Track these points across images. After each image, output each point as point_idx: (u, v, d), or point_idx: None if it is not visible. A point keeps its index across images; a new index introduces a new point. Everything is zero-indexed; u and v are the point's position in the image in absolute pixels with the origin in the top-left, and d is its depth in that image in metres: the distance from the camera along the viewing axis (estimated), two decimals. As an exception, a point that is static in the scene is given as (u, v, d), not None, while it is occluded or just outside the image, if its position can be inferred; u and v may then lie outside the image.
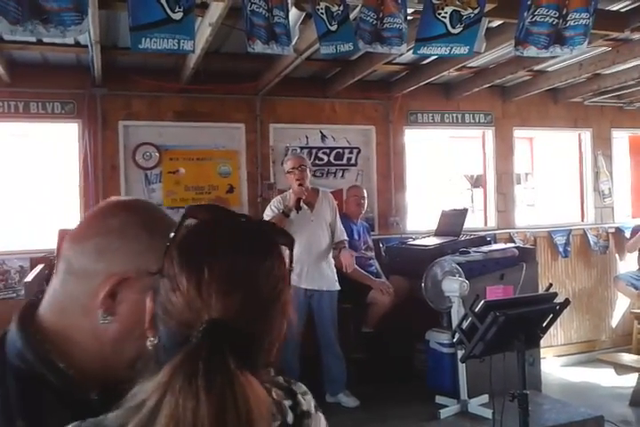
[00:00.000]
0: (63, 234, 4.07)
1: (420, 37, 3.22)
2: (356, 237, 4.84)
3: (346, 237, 4.51)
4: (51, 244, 4.15)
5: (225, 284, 0.75)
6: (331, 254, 4.43)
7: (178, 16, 2.71)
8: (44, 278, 3.99)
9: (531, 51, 3.22)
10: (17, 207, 5.20)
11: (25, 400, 0.81)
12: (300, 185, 4.23)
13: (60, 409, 0.80)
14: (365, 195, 5.06)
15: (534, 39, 3.16)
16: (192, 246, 0.79)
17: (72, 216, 4.75)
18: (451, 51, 3.24)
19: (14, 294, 4.46)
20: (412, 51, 3.45)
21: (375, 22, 3.20)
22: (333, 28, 3.10)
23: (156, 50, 2.76)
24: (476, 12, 3.10)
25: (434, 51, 3.26)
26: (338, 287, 4.40)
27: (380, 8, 3.19)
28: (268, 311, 0.78)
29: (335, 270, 4.42)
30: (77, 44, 4.18)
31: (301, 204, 4.23)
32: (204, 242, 0.79)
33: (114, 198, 0.99)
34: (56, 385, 0.83)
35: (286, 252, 0.85)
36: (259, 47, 2.97)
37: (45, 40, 4.11)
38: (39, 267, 4.05)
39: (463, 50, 3.25)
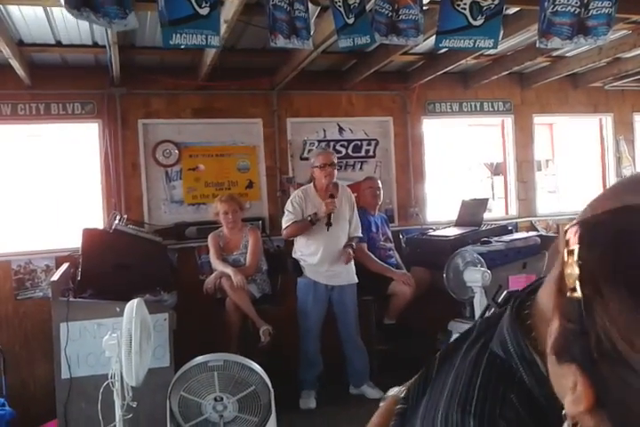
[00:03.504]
0: (87, 233, 4.14)
1: (441, 30, 3.19)
2: (373, 229, 4.84)
3: (359, 234, 4.48)
4: (75, 243, 4.22)
5: None
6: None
7: (205, 11, 2.73)
8: (70, 277, 4.07)
9: (555, 42, 3.17)
10: (41, 207, 5.28)
11: (486, 394, 0.67)
12: (332, 197, 4.23)
13: (523, 416, 0.65)
14: (380, 186, 5.04)
15: (557, 30, 3.11)
16: None
17: (95, 215, 4.82)
18: (475, 44, 3.20)
19: (41, 293, 4.54)
20: (432, 43, 3.41)
21: (390, 14, 3.19)
22: (350, 20, 3.09)
23: (187, 45, 2.79)
24: (496, 2, 3.07)
25: (457, 44, 3.22)
26: (355, 280, 4.43)
27: (395, 0, 3.17)
28: None
29: (353, 262, 4.44)
30: (95, 45, 4.23)
31: (331, 219, 4.20)
32: None
33: None
34: (527, 386, 0.66)
35: None
36: (281, 42, 2.97)
37: (64, 42, 4.17)
38: (65, 266, 4.11)
39: (488, 43, 3.21)
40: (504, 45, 4.66)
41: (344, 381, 4.50)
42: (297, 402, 4.30)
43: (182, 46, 2.81)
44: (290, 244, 4.66)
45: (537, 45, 3.33)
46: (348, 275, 4.39)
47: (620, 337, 0.46)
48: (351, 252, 4.33)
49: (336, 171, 4.44)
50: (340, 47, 3.24)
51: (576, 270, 0.51)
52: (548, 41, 3.17)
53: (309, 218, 4.24)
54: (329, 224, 4.19)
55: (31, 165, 5.11)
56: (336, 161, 4.46)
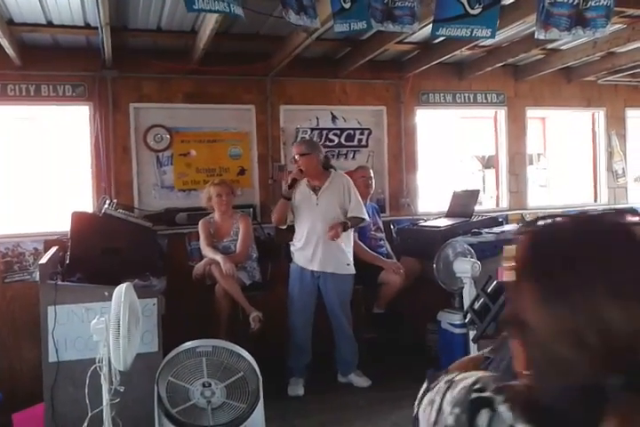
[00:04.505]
0: (76, 217, 4.10)
1: (437, 18, 3.16)
2: (365, 218, 4.81)
3: (359, 215, 4.29)
4: (64, 226, 4.18)
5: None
6: (346, 237, 4.29)
7: None
8: (58, 260, 4.03)
9: (553, 33, 3.15)
10: (30, 190, 5.22)
11: None
12: (300, 171, 4.21)
13: None
14: (372, 175, 5.02)
15: (556, 21, 3.09)
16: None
17: (85, 199, 4.77)
18: (472, 33, 3.18)
19: (29, 276, 4.51)
20: (427, 32, 3.40)
21: (387, 0, 3.17)
22: (347, 5, 3.07)
23: (210, 11, 2.73)
24: (493, -8, 3.05)
25: (453, 32, 3.19)
26: (348, 271, 4.32)
27: (391, -14, 3.15)
28: None
29: (349, 253, 4.37)
30: (87, 26, 4.16)
31: (296, 183, 4.22)
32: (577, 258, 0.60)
33: None
34: None
35: None
36: (293, 17, 2.95)
37: (55, 22, 4.11)
38: (53, 249, 4.07)
39: (485, 32, 3.19)
40: (499, 36, 4.63)
41: (332, 369, 4.51)
42: (285, 389, 4.30)
43: (204, 11, 2.75)
44: (281, 232, 4.65)
45: (535, 36, 3.31)
46: (337, 264, 4.28)
47: None
48: (339, 229, 4.12)
49: (314, 160, 4.24)
50: (336, 32, 3.22)
51: None
52: (546, 32, 3.15)
53: (282, 195, 4.30)
54: (292, 186, 4.22)
55: (21, 148, 5.05)
56: (309, 150, 4.24)
